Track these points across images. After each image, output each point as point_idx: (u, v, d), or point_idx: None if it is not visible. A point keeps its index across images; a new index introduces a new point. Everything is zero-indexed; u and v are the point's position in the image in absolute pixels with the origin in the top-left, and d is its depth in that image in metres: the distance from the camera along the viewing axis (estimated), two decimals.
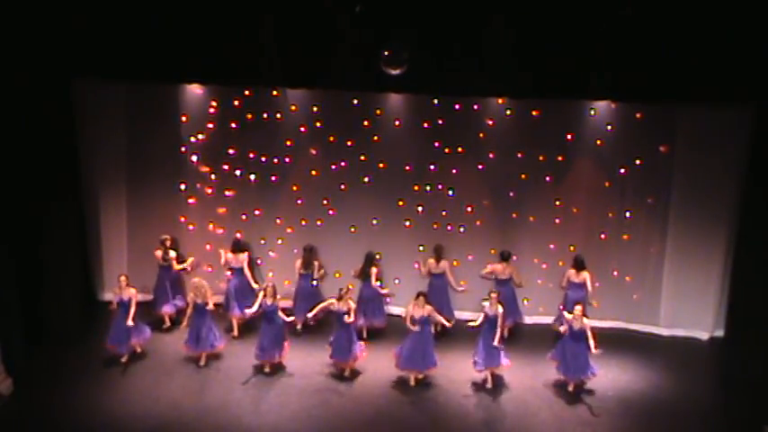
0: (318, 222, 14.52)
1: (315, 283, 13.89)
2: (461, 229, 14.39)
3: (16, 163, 12.26)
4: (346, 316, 12.34)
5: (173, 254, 13.90)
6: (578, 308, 12.19)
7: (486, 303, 12.38)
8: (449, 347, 13.16)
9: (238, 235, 14.22)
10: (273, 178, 14.42)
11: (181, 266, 13.99)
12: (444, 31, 12.15)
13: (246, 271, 13.89)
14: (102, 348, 12.93)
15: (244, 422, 11.31)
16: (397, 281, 14.44)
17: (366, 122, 14.10)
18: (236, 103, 14.06)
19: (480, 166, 14.15)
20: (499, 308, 12.22)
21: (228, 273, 14.04)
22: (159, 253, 13.80)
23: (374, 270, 13.72)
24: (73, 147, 13.74)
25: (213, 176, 14.45)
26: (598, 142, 13.87)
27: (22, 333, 12.39)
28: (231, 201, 14.57)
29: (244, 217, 14.59)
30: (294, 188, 14.47)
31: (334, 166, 14.29)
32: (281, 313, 12.60)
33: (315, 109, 14.09)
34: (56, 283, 13.25)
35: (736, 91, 12.26)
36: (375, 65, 11.92)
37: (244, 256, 13.96)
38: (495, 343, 12.15)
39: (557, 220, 14.29)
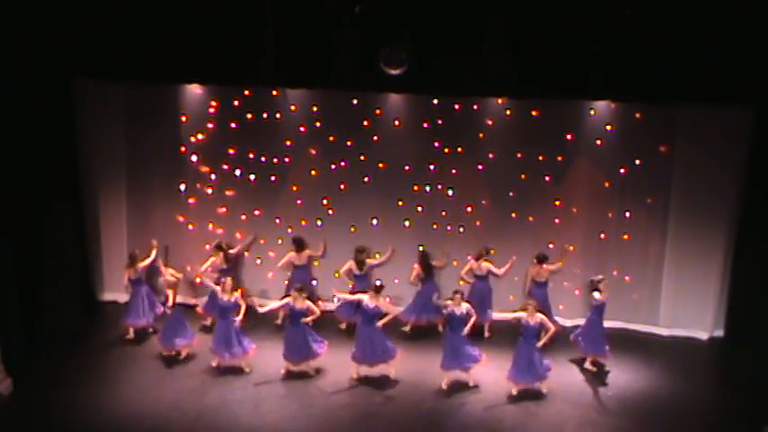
0: (318, 222, 14.53)
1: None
2: (461, 230, 14.40)
3: (16, 163, 12.24)
4: (304, 316, 12.26)
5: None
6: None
7: (450, 302, 12.28)
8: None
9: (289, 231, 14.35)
10: (273, 178, 14.42)
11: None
12: (444, 30, 12.14)
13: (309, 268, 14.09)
14: (102, 348, 12.99)
15: (244, 422, 11.30)
16: (396, 281, 14.43)
17: (366, 122, 14.11)
18: (236, 103, 14.06)
19: (480, 167, 14.15)
20: (464, 305, 12.19)
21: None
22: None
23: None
24: (73, 147, 13.73)
25: (213, 176, 14.45)
26: (598, 142, 13.88)
27: (22, 333, 12.38)
28: (231, 201, 14.57)
29: (243, 217, 14.60)
30: (294, 188, 14.47)
31: (333, 166, 14.29)
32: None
33: (314, 109, 14.10)
34: (56, 283, 13.24)
35: (736, 91, 12.25)
36: (375, 65, 11.92)
37: (306, 254, 14.01)
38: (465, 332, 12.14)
39: (556, 220, 14.29)
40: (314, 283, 14.46)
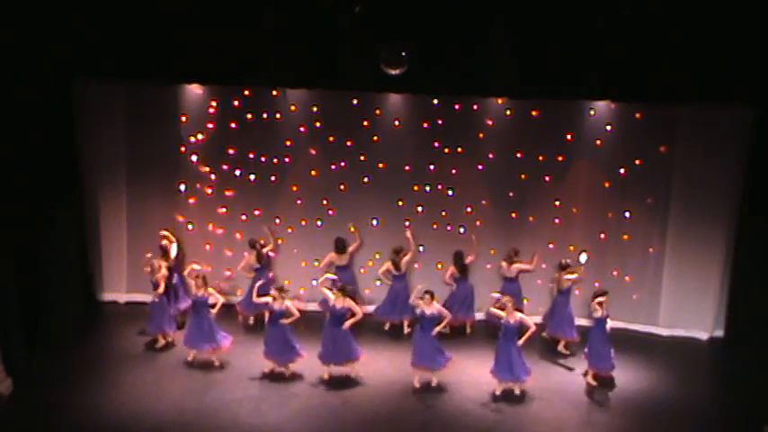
0: (318, 222, 14.53)
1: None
2: (461, 230, 14.39)
3: (16, 163, 12.23)
4: (283, 317, 12.23)
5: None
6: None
7: (420, 302, 12.21)
8: (449, 349, 13.13)
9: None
10: (273, 178, 14.42)
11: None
12: (444, 30, 12.14)
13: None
14: (102, 348, 12.99)
15: (244, 422, 11.29)
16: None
17: (366, 122, 14.12)
18: (236, 103, 14.06)
19: (480, 167, 14.16)
20: (435, 305, 12.18)
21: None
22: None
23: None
24: (73, 147, 13.72)
25: (213, 176, 14.45)
26: (598, 142, 13.89)
27: (22, 333, 12.36)
28: (231, 201, 14.57)
29: (243, 217, 14.60)
30: (294, 188, 14.47)
31: (333, 167, 14.29)
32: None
33: (314, 109, 14.10)
34: (56, 284, 13.22)
35: (736, 91, 12.26)
36: (374, 65, 11.92)
37: (348, 253, 13.99)
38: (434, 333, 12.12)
39: (556, 221, 14.30)
40: (314, 283, 14.43)
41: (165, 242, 13.90)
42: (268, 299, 12.40)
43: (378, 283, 14.29)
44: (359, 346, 12.50)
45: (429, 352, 12.17)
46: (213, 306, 12.69)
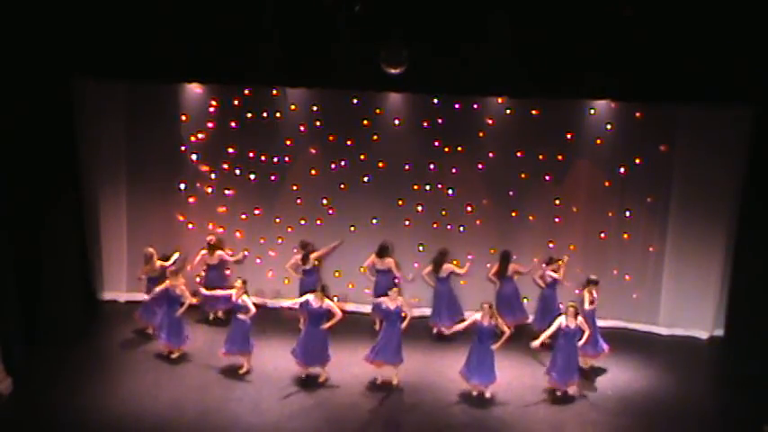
0: (318, 222, 14.52)
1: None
2: (461, 229, 14.39)
3: (16, 163, 12.23)
4: (243, 313, 12.26)
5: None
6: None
7: (385, 299, 12.24)
8: (452, 349, 13.15)
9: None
10: (273, 177, 14.42)
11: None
12: (444, 30, 12.13)
13: (395, 271, 13.91)
14: (103, 348, 12.99)
15: (243, 421, 11.30)
16: (396, 280, 14.45)
17: (366, 122, 14.11)
18: (236, 102, 14.05)
19: (480, 166, 14.15)
20: (399, 300, 12.16)
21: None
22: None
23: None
24: (73, 147, 13.71)
25: (213, 176, 14.45)
26: (598, 142, 13.88)
27: (22, 333, 12.36)
28: (231, 200, 14.57)
29: (243, 216, 14.60)
30: (294, 187, 14.46)
31: (333, 166, 14.29)
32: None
33: (314, 108, 14.09)
34: (56, 283, 13.22)
35: (737, 91, 12.25)
36: (374, 64, 11.91)
37: (390, 259, 13.86)
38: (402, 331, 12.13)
39: (556, 220, 14.30)
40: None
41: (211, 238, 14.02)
42: (230, 292, 12.48)
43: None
44: (332, 350, 12.38)
45: (392, 347, 12.12)
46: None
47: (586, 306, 12.42)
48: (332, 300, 12.41)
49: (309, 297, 12.23)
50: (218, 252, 14.04)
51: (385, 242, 13.90)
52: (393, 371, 12.30)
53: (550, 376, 12.09)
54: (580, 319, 11.90)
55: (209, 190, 14.52)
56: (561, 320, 11.86)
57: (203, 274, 14.21)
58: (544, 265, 13.65)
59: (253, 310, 12.32)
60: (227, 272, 14.43)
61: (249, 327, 12.43)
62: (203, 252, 14.05)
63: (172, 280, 12.76)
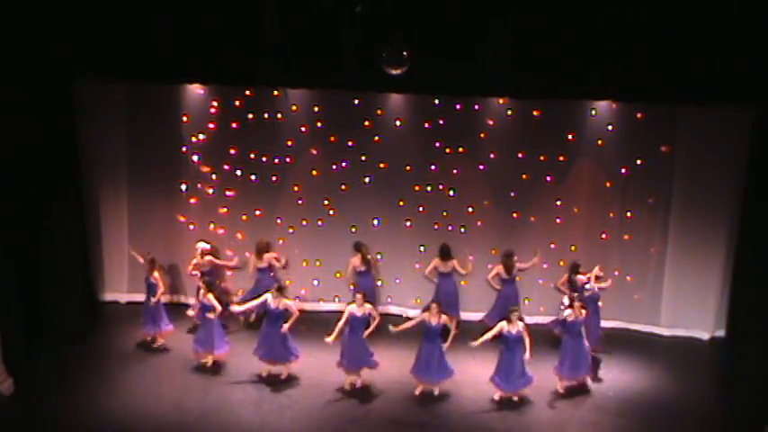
0: (319, 222, 14.52)
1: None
2: (462, 230, 14.38)
3: (16, 163, 12.24)
4: (210, 312, 12.34)
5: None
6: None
7: (353, 305, 12.07)
8: (454, 350, 13.10)
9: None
10: (274, 178, 14.41)
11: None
12: (445, 30, 12.13)
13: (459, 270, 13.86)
14: (103, 348, 12.99)
15: (244, 422, 11.29)
16: (397, 281, 14.46)
17: (367, 122, 14.11)
18: (237, 103, 14.06)
19: (481, 167, 14.15)
20: (367, 306, 12.10)
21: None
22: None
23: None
24: (73, 147, 13.72)
25: (214, 176, 14.45)
26: (599, 142, 13.88)
27: (22, 333, 12.37)
28: (232, 201, 14.56)
29: (244, 217, 14.60)
30: (295, 188, 14.46)
31: (334, 167, 14.29)
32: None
33: (316, 109, 14.10)
34: (56, 283, 13.22)
35: (737, 91, 12.25)
36: (376, 65, 11.91)
37: (452, 263, 13.78)
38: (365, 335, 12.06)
39: (558, 220, 14.29)
40: (315, 283, 14.49)
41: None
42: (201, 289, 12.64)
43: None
44: (296, 347, 12.39)
45: (360, 354, 12.11)
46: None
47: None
48: (290, 299, 12.53)
49: (268, 297, 12.23)
50: (267, 255, 13.96)
51: (446, 244, 13.84)
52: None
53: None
54: (521, 324, 11.82)
55: (211, 191, 14.52)
56: (503, 325, 11.79)
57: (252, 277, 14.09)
58: (583, 277, 13.20)
59: (219, 308, 12.41)
60: (230, 271, 14.39)
61: (217, 325, 12.56)
62: (249, 255, 14.09)
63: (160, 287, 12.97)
